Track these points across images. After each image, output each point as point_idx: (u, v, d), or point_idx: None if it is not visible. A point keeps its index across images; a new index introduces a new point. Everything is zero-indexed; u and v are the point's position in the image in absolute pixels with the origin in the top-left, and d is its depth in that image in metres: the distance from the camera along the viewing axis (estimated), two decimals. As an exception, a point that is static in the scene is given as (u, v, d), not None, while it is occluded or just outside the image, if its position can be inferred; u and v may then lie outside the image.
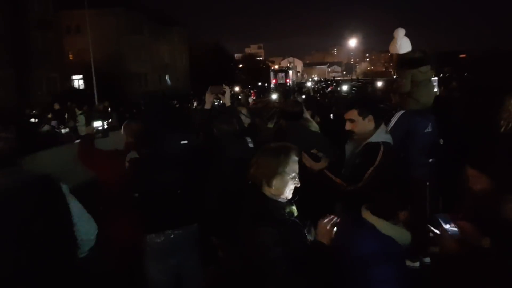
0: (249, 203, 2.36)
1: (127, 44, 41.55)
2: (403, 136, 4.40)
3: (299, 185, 2.36)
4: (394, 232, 2.26)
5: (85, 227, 2.40)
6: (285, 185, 2.32)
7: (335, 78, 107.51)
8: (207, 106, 4.01)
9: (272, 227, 2.18)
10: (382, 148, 3.04)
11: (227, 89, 4.07)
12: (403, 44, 4.80)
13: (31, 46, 30.24)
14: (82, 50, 32.82)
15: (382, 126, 3.21)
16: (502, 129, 3.35)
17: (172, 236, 3.12)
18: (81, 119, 13.00)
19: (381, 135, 3.14)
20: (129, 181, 3.28)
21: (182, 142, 3.24)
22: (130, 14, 42.27)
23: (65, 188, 2.30)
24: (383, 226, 2.25)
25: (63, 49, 35.61)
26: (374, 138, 3.11)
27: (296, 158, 2.38)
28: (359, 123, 3.17)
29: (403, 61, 4.71)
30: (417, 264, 4.55)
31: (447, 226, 2.09)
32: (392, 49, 4.85)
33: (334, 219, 2.31)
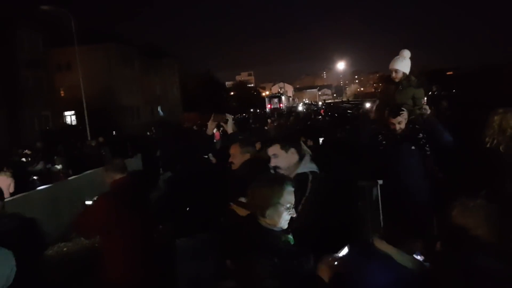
0: (245, 233, 2.34)
1: (118, 79, 41.86)
2: None
3: (295, 215, 2.34)
4: (408, 261, 2.16)
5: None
6: (279, 215, 2.30)
7: (326, 101, 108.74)
8: (209, 132, 4.21)
9: (266, 258, 2.16)
10: (310, 177, 3.04)
11: (229, 117, 4.21)
12: (407, 65, 5.05)
13: (22, 85, 30.40)
14: (73, 87, 33.00)
15: (307, 156, 3.20)
16: (488, 145, 3.40)
17: (200, 238, 3.57)
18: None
19: (307, 165, 3.14)
20: (169, 198, 3.73)
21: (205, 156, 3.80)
22: (120, 49, 42.77)
23: None
24: (397, 255, 2.15)
25: (54, 86, 35.83)
26: (301, 169, 3.11)
27: (292, 189, 2.37)
28: (282, 157, 3.14)
29: (409, 81, 4.97)
30: None
31: (417, 257, 2.19)
32: (399, 66, 5.04)
33: (337, 257, 2.26)
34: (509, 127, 3.39)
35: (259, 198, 2.33)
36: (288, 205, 2.32)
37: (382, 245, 2.19)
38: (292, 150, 3.15)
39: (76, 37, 25.08)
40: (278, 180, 2.39)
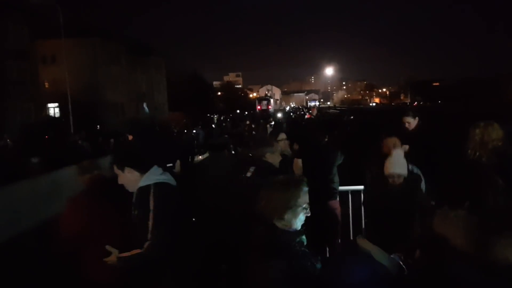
0: (259, 234, 2.33)
1: (104, 74, 41.44)
2: None
3: (309, 215, 2.36)
4: (386, 260, 2.26)
5: None
6: (296, 217, 2.32)
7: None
8: None
9: (282, 260, 2.16)
10: (152, 189, 2.99)
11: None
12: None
13: (6, 76, 29.86)
14: (58, 80, 32.54)
15: (153, 169, 3.15)
16: (470, 157, 3.46)
17: None
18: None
19: (151, 177, 3.09)
20: None
21: (168, 165, 3.47)
22: (107, 44, 42.35)
23: None
24: (377, 253, 2.25)
25: (39, 78, 35.26)
26: (143, 182, 3.07)
27: (306, 189, 2.37)
28: (121, 176, 3.14)
29: None
30: None
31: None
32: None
33: None
34: (491, 140, 3.46)
35: (276, 201, 2.31)
36: (304, 205, 2.34)
37: (363, 243, 2.32)
38: (128, 169, 3.11)
39: (63, 29, 24.78)
40: (293, 182, 2.38)
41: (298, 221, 2.33)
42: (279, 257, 2.17)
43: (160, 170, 3.14)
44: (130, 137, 4.73)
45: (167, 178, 3.12)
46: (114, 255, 2.86)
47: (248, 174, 4.06)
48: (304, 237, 2.37)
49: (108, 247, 2.87)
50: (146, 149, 4.24)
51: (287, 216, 2.29)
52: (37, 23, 33.18)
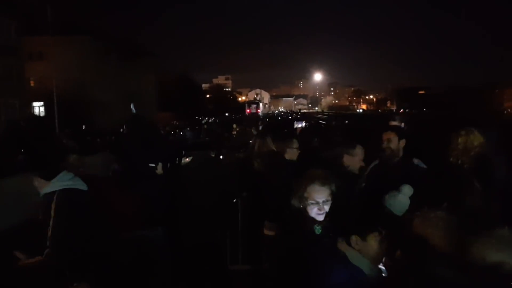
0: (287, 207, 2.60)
1: (93, 72, 40.96)
2: None
3: (322, 212, 2.48)
4: (365, 265, 2.29)
5: None
6: (303, 205, 2.51)
7: (301, 111, 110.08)
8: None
9: (289, 234, 2.44)
10: (55, 196, 3.00)
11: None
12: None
13: (-9, 71, 29.38)
14: (45, 77, 32.08)
15: (60, 175, 3.14)
16: (453, 164, 3.52)
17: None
18: None
19: (57, 184, 3.08)
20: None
21: (150, 165, 3.89)
22: (97, 42, 41.93)
23: None
24: (354, 257, 2.29)
25: (25, 75, 34.76)
26: (49, 188, 3.07)
27: (319, 187, 2.50)
28: (34, 181, 3.19)
29: None
30: None
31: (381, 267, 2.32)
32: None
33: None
34: (473, 147, 3.52)
35: (294, 186, 2.59)
36: (312, 202, 2.47)
37: (343, 247, 2.37)
38: (34, 176, 3.16)
39: (51, 26, 24.53)
40: (310, 177, 2.56)
41: (312, 212, 2.48)
42: (289, 230, 2.43)
43: (69, 175, 3.14)
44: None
45: (75, 183, 3.12)
46: (22, 260, 2.87)
47: None
48: (317, 227, 2.48)
49: (16, 253, 2.87)
50: (132, 146, 4.24)
51: (292, 200, 2.53)
52: (26, 19, 32.75)
